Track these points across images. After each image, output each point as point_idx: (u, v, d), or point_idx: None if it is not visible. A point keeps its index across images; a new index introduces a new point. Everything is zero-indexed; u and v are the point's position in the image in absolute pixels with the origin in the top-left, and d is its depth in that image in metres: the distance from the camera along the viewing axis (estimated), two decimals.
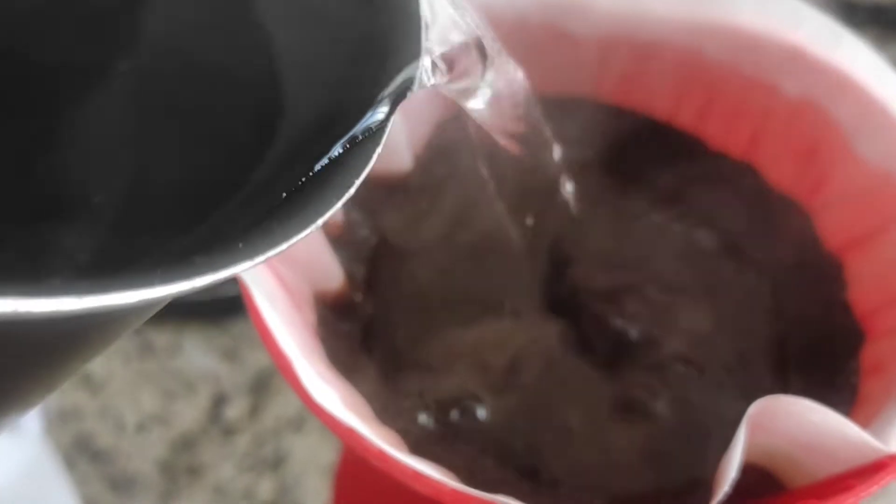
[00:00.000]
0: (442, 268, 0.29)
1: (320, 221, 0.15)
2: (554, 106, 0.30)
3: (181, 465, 0.49)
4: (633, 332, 0.28)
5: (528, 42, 0.30)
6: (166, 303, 0.15)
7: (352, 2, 0.18)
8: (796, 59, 0.28)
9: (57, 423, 0.50)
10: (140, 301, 0.12)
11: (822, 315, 0.28)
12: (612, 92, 0.31)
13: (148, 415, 0.50)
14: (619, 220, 0.30)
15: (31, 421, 0.50)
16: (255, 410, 0.51)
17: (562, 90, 0.31)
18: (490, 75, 0.21)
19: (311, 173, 0.17)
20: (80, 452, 0.49)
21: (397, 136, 0.29)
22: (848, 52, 0.27)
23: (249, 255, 0.14)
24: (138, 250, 0.17)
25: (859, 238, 0.27)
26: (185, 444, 0.50)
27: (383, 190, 0.30)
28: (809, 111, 0.28)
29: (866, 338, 0.26)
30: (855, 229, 0.28)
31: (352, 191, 0.16)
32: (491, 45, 0.21)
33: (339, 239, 0.29)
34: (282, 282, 0.25)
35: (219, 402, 0.51)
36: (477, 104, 0.22)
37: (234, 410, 0.51)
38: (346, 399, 0.23)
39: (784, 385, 0.27)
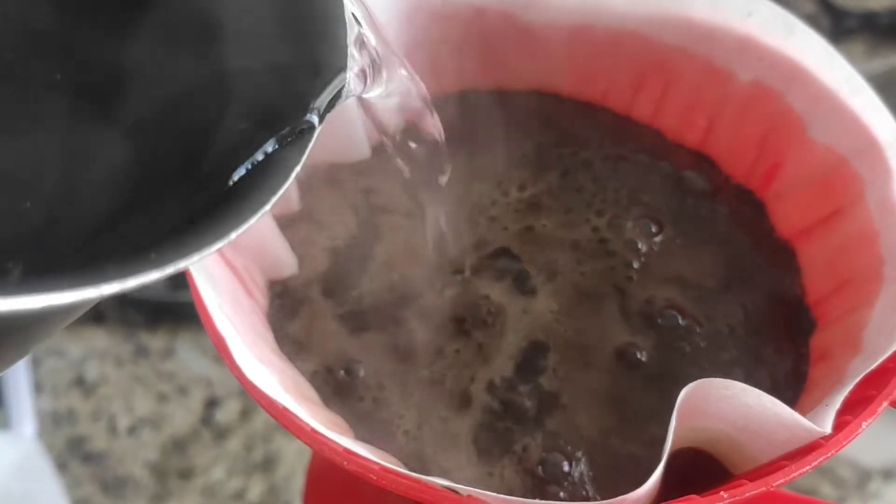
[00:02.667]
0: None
1: (233, 235, 0.16)
2: (514, 98, 0.31)
3: (172, 467, 0.50)
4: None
5: (487, 35, 0.30)
6: (89, 306, 0.16)
7: (285, 24, 0.19)
8: (749, 48, 0.28)
9: (50, 426, 0.50)
10: (45, 307, 0.13)
11: (777, 303, 0.27)
12: (571, 84, 0.31)
13: (140, 417, 0.51)
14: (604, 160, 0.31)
15: (25, 423, 0.50)
16: (245, 413, 0.51)
17: (521, 83, 0.31)
18: (385, 81, 0.22)
19: (245, 170, 0.17)
20: (73, 454, 0.50)
21: (357, 128, 0.30)
22: (799, 41, 0.27)
23: (158, 264, 0.14)
24: (66, 253, 0.18)
25: (811, 225, 0.27)
26: (177, 446, 0.50)
27: (347, 174, 0.30)
28: (764, 97, 0.28)
29: (817, 325, 0.26)
30: (807, 216, 0.28)
31: (272, 202, 0.16)
32: (381, 52, 0.22)
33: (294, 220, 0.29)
34: (232, 267, 0.25)
35: (210, 405, 0.51)
36: (384, 109, 0.23)
37: (226, 413, 0.51)
38: (289, 383, 0.24)
39: (795, 351, 0.26)
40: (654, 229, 0.29)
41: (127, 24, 0.20)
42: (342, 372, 0.26)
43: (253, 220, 0.16)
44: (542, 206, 0.30)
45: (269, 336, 0.25)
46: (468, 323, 0.27)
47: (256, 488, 0.48)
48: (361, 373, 0.26)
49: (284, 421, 0.21)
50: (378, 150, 0.30)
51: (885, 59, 0.56)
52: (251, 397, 0.22)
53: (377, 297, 0.28)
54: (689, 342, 0.27)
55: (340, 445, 0.21)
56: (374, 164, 0.30)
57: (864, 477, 0.45)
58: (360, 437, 0.24)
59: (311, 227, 0.29)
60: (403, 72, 0.22)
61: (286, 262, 0.27)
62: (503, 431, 0.25)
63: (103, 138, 0.19)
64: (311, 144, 0.18)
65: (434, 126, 0.24)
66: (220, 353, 0.22)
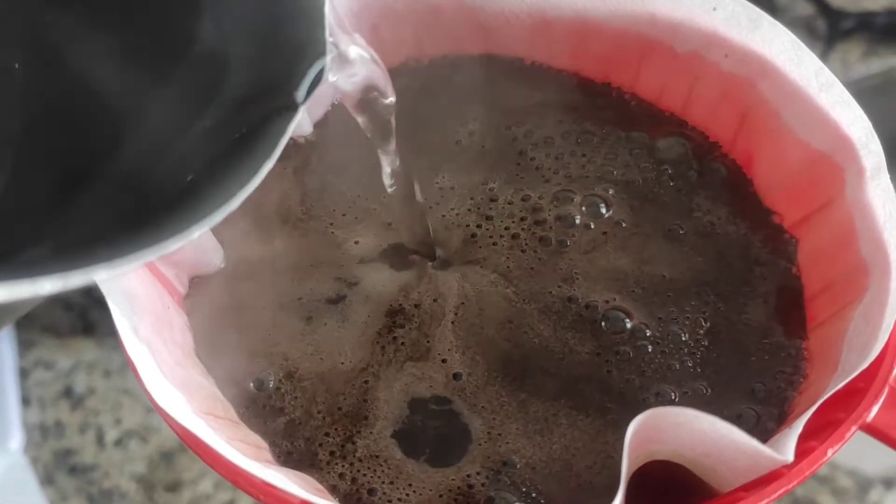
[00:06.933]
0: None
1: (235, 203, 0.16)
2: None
3: (160, 480, 0.49)
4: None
5: (442, 33, 0.29)
6: (34, 303, 0.15)
7: (269, 11, 0.20)
8: (714, 44, 0.26)
9: (37, 438, 0.50)
10: None
11: (775, 298, 0.26)
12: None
13: (128, 430, 0.50)
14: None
15: (11, 437, 0.50)
16: None
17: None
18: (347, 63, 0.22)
19: (231, 141, 0.17)
20: (60, 467, 0.49)
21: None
22: (766, 35, 0.25)
23: (111, 258, 0.14)
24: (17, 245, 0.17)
25: (799, 220, 0.26)
26: (165, 459, 0.49)
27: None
28: (738, 84, 0.27)
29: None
30: (801, 207, 0.26)
31: (257, 179, 0.17)
32: (338, 34, 0.21)
33: None
34: (161, 279, 0.24)
35: None
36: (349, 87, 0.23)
37: None
38: (218, 406, 0.22)
39: (785, 358, 0.25)
40: (602, 209, 0.27)
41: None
42: (251, 384, 0.24)
43: (244, 194, 0.16)
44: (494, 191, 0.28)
45: (189, 341, 0.24)
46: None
47: (244, 501, 0.47)
48: (272, 384, 0.24)
49: (197, 449, 0.20)
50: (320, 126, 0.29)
51: (883, 59, 0.54)
52: (167, 424, 0.20)
53: (308, 289, 0.26)
54: (634, 346, 0.25)
55: (257, 478, 0.19)
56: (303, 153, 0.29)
57: (864, 485, 0.44)
58: (283, 454, 0.23)
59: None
60: (363, 53, 0.22)
61: (213, 256, 0.26)
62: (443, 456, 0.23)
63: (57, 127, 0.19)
64: (293, 122, 0.18)
65: (387, 102, 0.23)
66: (136, 378, 0.20)
